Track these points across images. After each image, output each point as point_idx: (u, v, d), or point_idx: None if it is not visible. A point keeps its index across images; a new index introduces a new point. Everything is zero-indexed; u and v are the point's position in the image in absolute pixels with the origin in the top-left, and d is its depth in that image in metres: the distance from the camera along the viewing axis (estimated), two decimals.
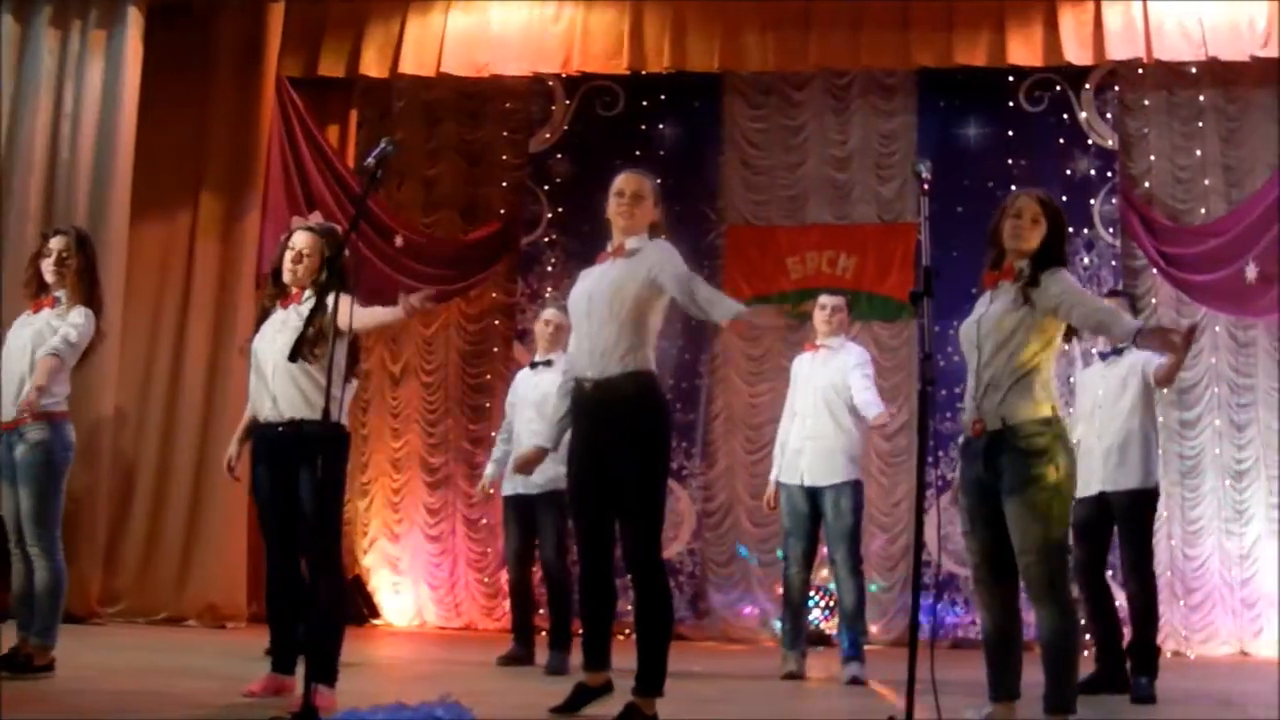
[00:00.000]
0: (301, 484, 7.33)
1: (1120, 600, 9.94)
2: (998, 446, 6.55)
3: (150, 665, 9.30)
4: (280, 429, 7.40)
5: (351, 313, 6.94)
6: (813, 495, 10.01)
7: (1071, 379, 12.79)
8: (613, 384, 6.91)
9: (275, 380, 7.39)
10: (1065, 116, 14.31)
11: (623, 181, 7.23)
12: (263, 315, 7.69)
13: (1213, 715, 8.49)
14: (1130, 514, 9.39)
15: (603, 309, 6.96)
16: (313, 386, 7.28)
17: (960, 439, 6.87)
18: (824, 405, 10.06)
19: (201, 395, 13.59)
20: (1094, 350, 10.24)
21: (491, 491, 10.95)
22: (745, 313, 6.55)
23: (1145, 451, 9.44)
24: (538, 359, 10.65)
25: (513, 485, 10.49)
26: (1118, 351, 9.65)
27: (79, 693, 6.57)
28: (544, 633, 10.59)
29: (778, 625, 12.34)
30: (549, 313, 10.70)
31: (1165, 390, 9.89)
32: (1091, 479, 9.35)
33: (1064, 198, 13.60)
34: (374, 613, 14.51)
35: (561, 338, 10.13)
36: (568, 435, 7.24)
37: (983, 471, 6.59)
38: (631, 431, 6.90)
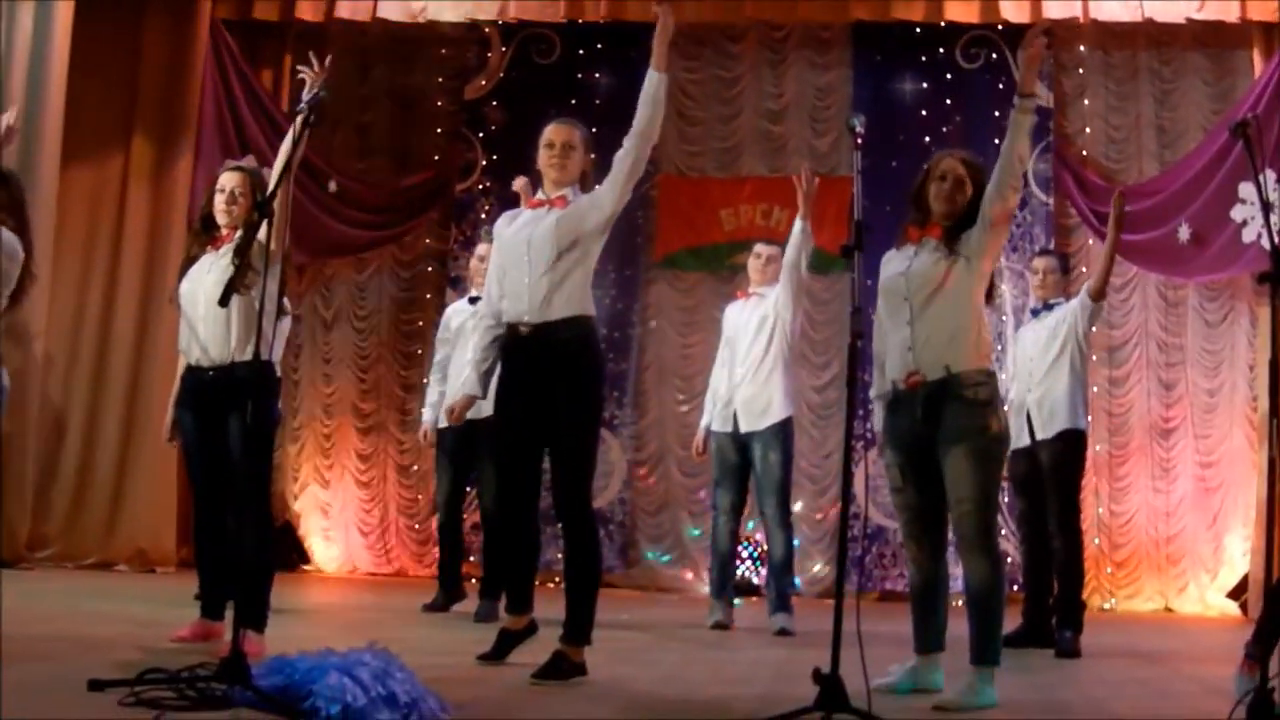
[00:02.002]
0: (231, 429, 7.30)
1: None
2: (939, 397, 6.64)
3: (78, 610, 9.28)
4: (211, 373, 7.37)
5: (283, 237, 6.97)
6: (743, 444, 10.11)
7: (1001, 337, 12.98)
8: (553, 328, 6.96)
9: (206, 323, 7.35)
10: (1001, 74, 14.33)
11: (553, 132, 7.27)
12: (189, 261, 7.60)
13: (1135, 671, 8.58)
14: (1058, 459, 9.58)
15: (547, 252, 6.99)
16: (244, 327, 7.24)
17: (882, 393, 6.95)
18: (757, 350, 10.15)
19: (132, 341, 13.53)
20: (1029, 308, 10.34)
21: (433, 439, 10.99)
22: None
23: (1072, 397, 9.63)
24: (476, 294, 10.53)
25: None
26: (1049, 307, 9.85)
27: (5, 637, 6.52)
28: (474, 579, 10.61)
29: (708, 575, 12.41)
30: (486, 248, 10.47)
31: (1094, 327, 9.97)
32: (1023, 432, 9.54)
33: (998, 155, 13.78)
34: (304, 559, 14.49)
35: None
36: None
37: (920, 423, 6.67)
38: (571, 376, 6.98)
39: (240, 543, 7.15)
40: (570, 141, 7.23)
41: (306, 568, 14.42)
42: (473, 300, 10.60)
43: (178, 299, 7.57)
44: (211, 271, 7.33)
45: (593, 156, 7.39)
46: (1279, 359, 6.05)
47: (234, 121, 14.00)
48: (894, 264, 6.96)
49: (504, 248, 7.21)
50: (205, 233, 7.59)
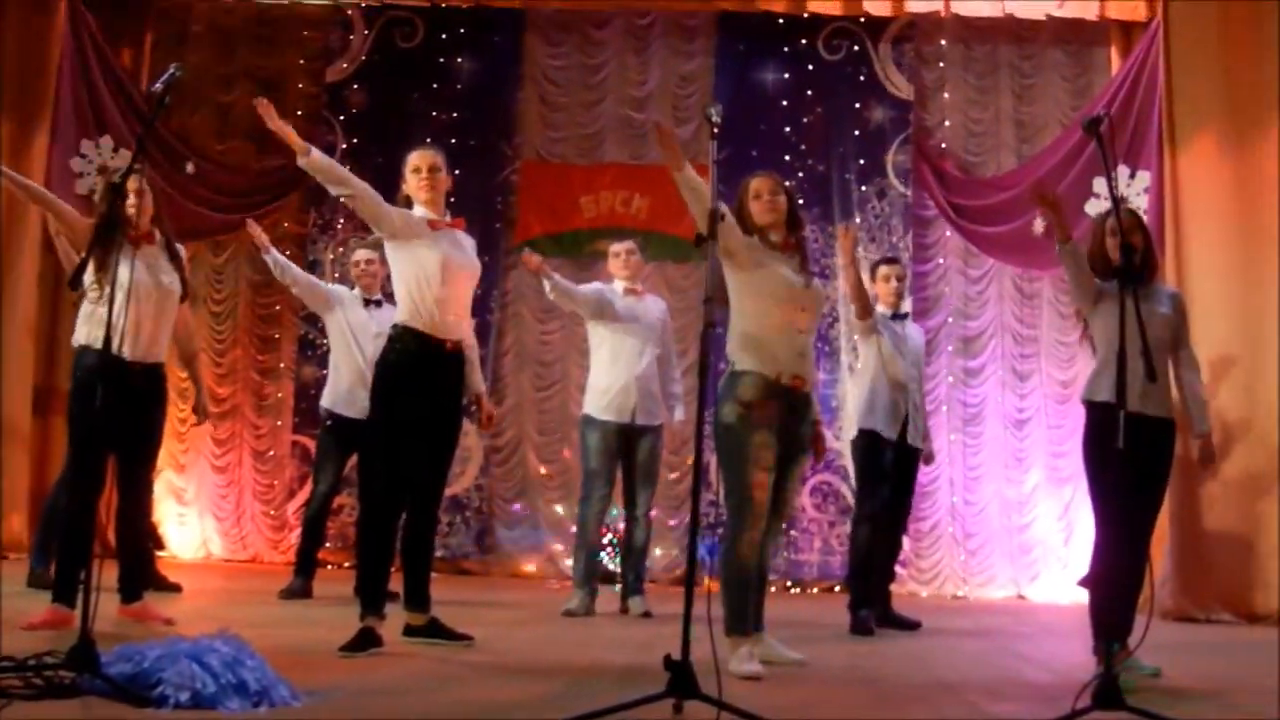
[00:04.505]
0: (142, 421, 8.13)
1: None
2: (806, 405, 7.32)
3: None
4: (138, 369, 8.04)
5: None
6: (628, 436, 10.35)
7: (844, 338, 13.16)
8: (462, 346, 7.72)
9: (151, 322, 8.14)
10: (862, 66, 14.45)
11: (419, 158, 7.79)
12: (107, 251, 7.69)
13: (971, 645, 8.70)
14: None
15: (469, 278, 7.80)
16: (166, 331, 8.23)
17: (760, 383, 7.11)
18: (652, 347, 10.47)
19: None
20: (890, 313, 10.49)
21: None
22: None
23: (857, 402, 10.37)
24: (369, 298, 10.93)
25: (338, 404, 10.85)
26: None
27: None
28: (329, 566, 10.56)
29: (568, 562, 12.45)
30: (367, 254, 10.95)
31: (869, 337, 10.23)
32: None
33: (858, 146, 13.91)
34: (159, 544, 14.31)
35: (382, 276, 10.31)
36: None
37: (798, 427, 7.28)
38: (461, 390, 7.80)
39: (135, 527, 8.35)
40: (436, 164, 7.79)
41: (161, 554, 14.23)
42: (367, 303, 10.94)
43: (97, 289, 7.93)
44: (153, 274, 8.08)
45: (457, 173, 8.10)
46: (1125, 352, 6.15)
47: (91, 100, 13.81)
48: (779, 267, 7.32)
49: (445, 268, 7.59)
50: (118, 230, 7.71)
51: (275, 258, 10.66)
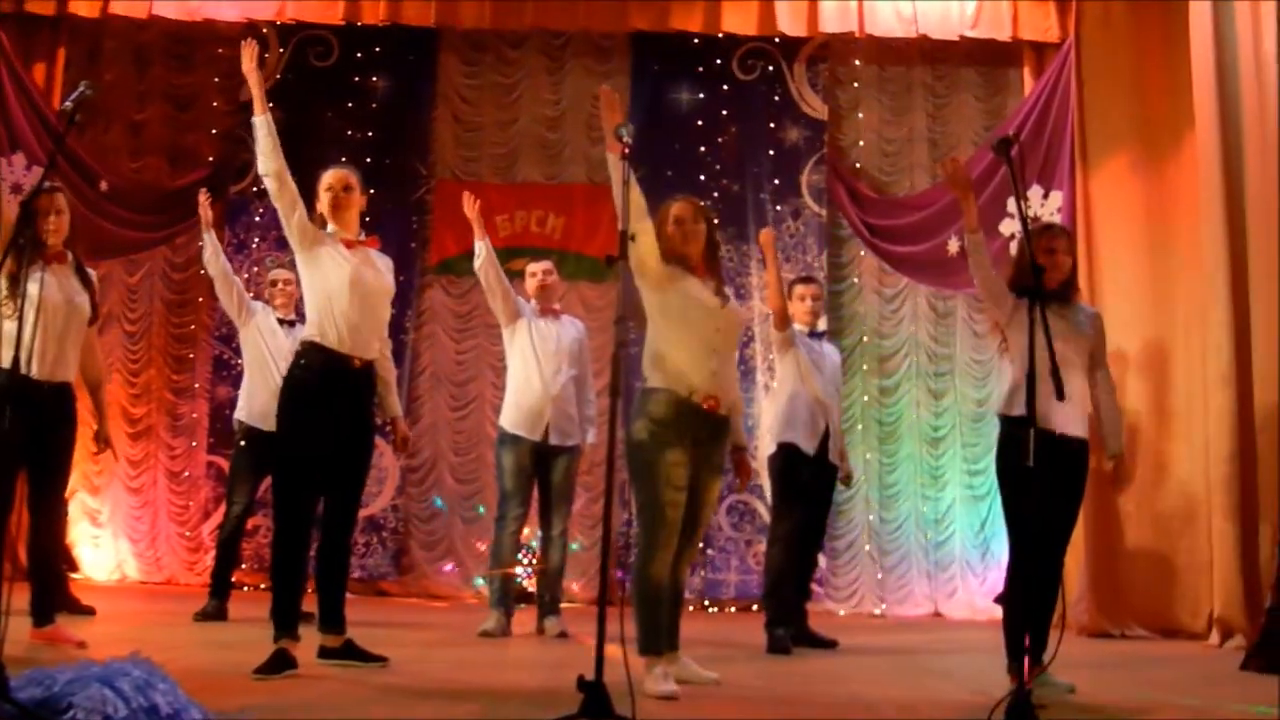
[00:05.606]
0: (50, 440, 8.07)
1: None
2: (721, 426, 7.34)
3: None
4: (45, 388, 8.04)
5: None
6: (544, 456, 10.34)
7: (760, 358, 13.15)
8: (373, 365, 7.72)
9: (59, 341, 8.12)
10: (777, 86, 14.53)
11: (332, 177, 7.79)
12: (18, 269, 7.65)
13: (888, 663, 8.74)
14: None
15: (382, 298, 7.79)
16: (75, 351, 8.27)
17: (671, 400, 7.12)
18: (569, 368, 10.47)
19: None
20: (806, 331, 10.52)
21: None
22: None
23: (775, 417, 10.41)
24: (283, 317, 10.91)
25: (253, 419, 10.83)
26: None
27: None
28: (245, 588, 10.50)
29: (480, 582, 12.43)
30: (284, 273, 10.94)
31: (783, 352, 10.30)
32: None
33: (773, 166, 13.96)
34: (73, 566, 14.18)
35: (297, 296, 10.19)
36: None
37: (712, 447, 7.30)
38: (372, 409, 7.83)
39: (47, 549, 8.36)
40: (350, 182, 7.80)
41: (75, 576, 14.10)
42: (282, 322, 10.90)
43: (9, 305, 7.94)
44: (63, 293, 8.13)
45: (371, 192, 8.14)
46: (1035, 372, 6.20)
47: (3, 118, 13.68)
48: (693, 290, 7.36)
49: (352, 285, 7.59)
50: (33, 247, 7.74)
51: (212, 240, 10.65)
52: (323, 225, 7.71)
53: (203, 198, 10.74)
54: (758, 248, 13.60)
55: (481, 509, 13.91)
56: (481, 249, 10.26)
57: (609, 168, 6.92)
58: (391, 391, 8.02)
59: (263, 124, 7.46)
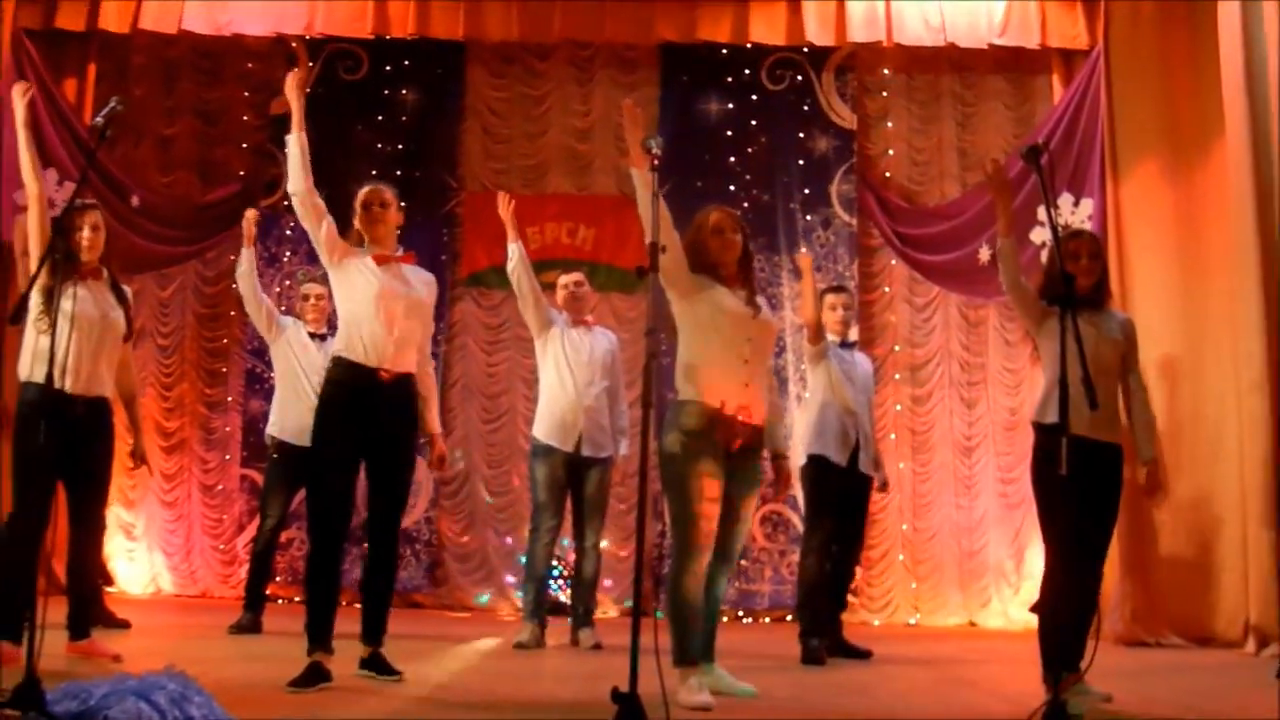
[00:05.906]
0: (87, 455, 8.07)
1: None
2: (755, 439, 7.31)
3: None
4: (80, 402, 8.02)
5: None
6: (577, 467, 10.34)
7: (792, 368, 13.15)
8: (407, 379, 7.64)
9: (94, 357, 8.10)
10: (806, 96, 14.52)
11: (370, 194, 7.81)
12: (53, 284, 7.69)
13: (925, 674, 8.71)
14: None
15: (414, 312, 7.69)
16: (110, 366, 8.22)
17: (703, 411, 7.11)
18: (601, 379, 10.47)
19: None
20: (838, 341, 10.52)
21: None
22: None
23: (806, 428, 10.37)
24: (315, 331, 10.88)
25: (285, 434, 10.82)
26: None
27: None
28: (280, 601, 10.50)
29: (519, 595, 12.42)
30: (316, 288, 10.91)
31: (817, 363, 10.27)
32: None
33: (802, 176, 13.94)
34: (108, 580, 14.21)
35: (329, 310, 10.19)
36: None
37: (745, 458, 7.28)
38: (413, 421, 7.75)
39: (85, 563, 8.39)
40: (387, 199, 7.81)
41: (110, 589, 14.13)
42: (314, 336, 10.87)
43: (44, 320, 7.90)
44: (99, 308, 8.14)
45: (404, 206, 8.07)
46: (1068, 379, 6.18)
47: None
48: (723, 299, 7.35)
49: (382, 299, 7.58)
50: (67, 262, 7.81)
51: (249, 257, 10.66)
52: (359, 242, 7.73)
53: (250, 214, 10.75)
54: (789, 258, 13.65)
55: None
56: (515, 251, 10.29)
57: (634, 181, 6.93)
58: (431, 408, 7.97)
59: (296, 142, 7.54)
